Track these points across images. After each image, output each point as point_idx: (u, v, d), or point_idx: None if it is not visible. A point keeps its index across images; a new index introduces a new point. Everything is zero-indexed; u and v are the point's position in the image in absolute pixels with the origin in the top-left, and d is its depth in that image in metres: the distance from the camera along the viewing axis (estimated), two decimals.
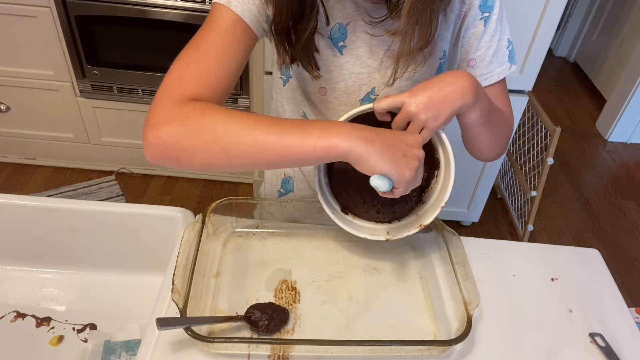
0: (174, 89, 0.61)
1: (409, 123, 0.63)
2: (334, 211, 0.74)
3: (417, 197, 0.78)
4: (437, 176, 0.75)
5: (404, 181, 0.59)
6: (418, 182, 0.63)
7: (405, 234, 0.74)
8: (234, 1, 0.66)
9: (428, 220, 0.73)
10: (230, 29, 0.65)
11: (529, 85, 1.61)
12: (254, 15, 0.66)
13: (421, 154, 0.61)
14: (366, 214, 0.78)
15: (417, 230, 0.73)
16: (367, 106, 0.66)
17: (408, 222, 0.77)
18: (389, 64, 0.71)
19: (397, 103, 0.62)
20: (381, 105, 0.63)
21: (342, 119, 0.68)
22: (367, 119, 0.67)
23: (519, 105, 1.65)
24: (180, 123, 0.58)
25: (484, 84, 0.73)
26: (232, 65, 0.65)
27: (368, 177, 0.73)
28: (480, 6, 0.69)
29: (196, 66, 0.63)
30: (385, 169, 0.58)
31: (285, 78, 0.80)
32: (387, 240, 0.75)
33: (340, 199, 0.77)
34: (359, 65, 0.73)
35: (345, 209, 0.78)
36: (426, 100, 0.61)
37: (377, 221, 0.78)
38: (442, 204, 0.71)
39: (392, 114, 0.65)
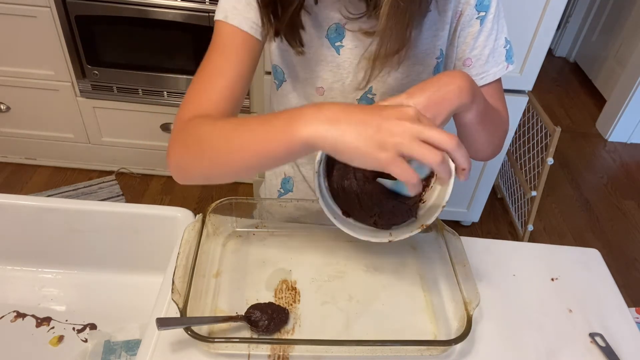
0: (180, 113, 0.65)
1: None
2: (335, 215, 0.74)
3: (418, 197, 0.78)
4: (437, 175, 0.75)
5: (380, 166, 0.49)
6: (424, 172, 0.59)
7: (408, 234, 0.74)
8: (230, 14, 0.67)
9: (430, 220, 0.73)
10: (229, 42, 0.68)
11: (529, 85, 1.61)
12: (253, 22, 0.68)
13: (407, 129, 0.49)
14: (364, 222, 0.77)
15: (419, 230, 0.73)
16: None
17: (409, 222, 0.77)
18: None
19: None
20: None
21: None
22: None
23: (519, 105, 1.65)
24: (179, 143, 0.63)
25: (479, 83, 0.73)
26: (234, 75, 0.67)
27: (367, 185, 0.74)
28: (476, 5, 0.69)
29: (198, 85, 0.66)
30: (359, 154, 0.50)
31: (277, 82, 0.80)
32: (389, 242, 0.75)
33: (340, 203, 0.77)
34: (355, 65, 0.73)
35: (347, 212, 0.78)
36: (424, 101, 0.60)
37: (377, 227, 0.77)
38: (443, 203, 0.71)
39: None
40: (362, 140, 0.49)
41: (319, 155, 0.69)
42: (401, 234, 0.74)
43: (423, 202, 0.77)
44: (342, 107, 0.52)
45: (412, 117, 0.51)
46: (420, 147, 0.49)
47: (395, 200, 0.75)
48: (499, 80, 0.74)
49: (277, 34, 0.69)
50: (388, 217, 0.75)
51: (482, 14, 0.69)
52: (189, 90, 0.68)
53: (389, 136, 0.49)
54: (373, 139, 0.49)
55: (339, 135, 0.49)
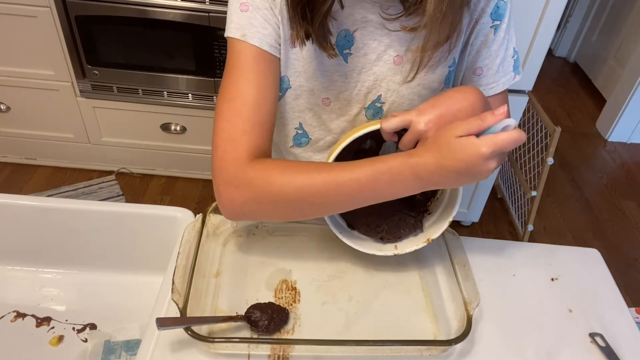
0: (229, 152, 0.64)
1: (417, 142, 0.62)
2: (341, 230, 0.74)
3: (423, 207, 0.77)
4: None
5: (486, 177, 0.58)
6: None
7: (413, 248, 0.73)
8: (249, 33, 0.66)
9: (436, 234, 0.72)
10: (254, 66, 0.67)
11: (529, 85, 1.61)
12: (272, 39, 0.67)
13: (493, 166, 0.56)
14: (371, 238, 0.77)
15: (424, 244, 0.73)
16: (374, 126, 0.65)
17: (415, 234, 0.76)
18: (401, 58, 0.69)
19: (405, 122, 0.61)
20: (389, 125, 0.62)
21: (348, 140, 0.66)
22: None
23: (519, 105, 1.65)
24: (249, 191, 0.64)
25: (489, 93, 0.72)
26: (269, 102, 0.68)
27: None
28: (491, 14, 0.68)
29: (238, 121, 0.65)
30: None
31: (281, 92, 0.79)
32: (395, 255, 0.74)
33: (346, 219, 0.77)
34: (364, 73, 0.71)
35: (352, 225, 0.77)
36: (435, 119, 0.59)
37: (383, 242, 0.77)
38: (450, 218, 0.71)
39: (397, 132, 0.64)
40: (463, 183, 0.60)
41: None
42: (406, 247, 0.74)
43: (429, 214, 0.77)
44: (438, 173, 0.58)
45: (487, 156, 0.55)
46: (503, 155, 0.57)
47: (400, 212, 0.74)
48: (505, 91, 0.74)
49: (307, 36, 0.67)
50: (394, 232, 0.74)
51: (497, 22, 0.68)
52: (223, 122, 0.66)
53: (483, 177, 0.57)
54: (472, 181, 0.58)
55: (442, 187, 0.62)
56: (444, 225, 0.72)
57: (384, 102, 0.74)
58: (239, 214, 0.68)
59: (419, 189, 0.61)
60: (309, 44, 0.69)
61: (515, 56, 0.72)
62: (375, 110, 0.75)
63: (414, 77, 0.69)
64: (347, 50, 0.70)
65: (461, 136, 0.55)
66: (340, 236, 0.73)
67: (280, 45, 0.69)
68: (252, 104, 0.66)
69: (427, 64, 0.67)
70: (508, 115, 0.55)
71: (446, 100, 0.60)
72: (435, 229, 0.73)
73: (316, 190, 0.62)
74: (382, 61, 0.70)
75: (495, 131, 0.54)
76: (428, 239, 0.73)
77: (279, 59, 0.70)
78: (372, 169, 0.60)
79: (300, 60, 0.71)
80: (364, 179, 0.60)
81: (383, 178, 0.60)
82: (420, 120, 0.59)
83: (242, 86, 0.66)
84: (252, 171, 0.64)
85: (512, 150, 2.07)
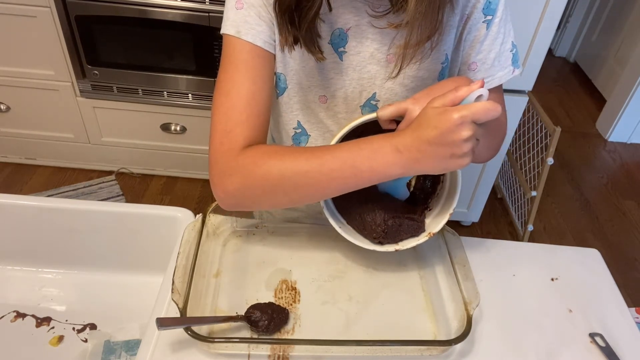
0: (224, 143, 0.67)
1: None
2: (340, 225, 0.74)
3: (424, 203, 0.77)
4: (443, 182, 0.75)
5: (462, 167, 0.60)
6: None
7: (414, 243, 0.73)
8: (243, 29, 0.67)
9: (437, 228, 0.72)
10: (249, 62, 0.68)
11: (529, 85, 1.61)
12: (267, 35, 0.68)
13: (466, 134, 0.56)
14: (370, 240, 0.76)
15: (426, 239, 0.73)
16: (370, 116, 0.65)
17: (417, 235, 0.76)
18: (393, 56, 0.70)
19: (400, 110, 0.62)
20: (385, 113, 0.63)
21: (345, 130, 0.67)
22: (367, 124, 0.67)
23: (519, 105, 1.65)
24: (240, 178, 0.65)
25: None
26: (264, 95, 0.69)
27: (368, 204, 0.73)
28: (483, 9, 0.68)
29: (234, 113, 0.67)
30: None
31: (279, 91, 0.79)
32: (396, 250, 0.74)
33: (345, 217, 0.77)
34: (359, 71, 0.72)
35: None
36: None
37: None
38: (451, 210, 0.71)
39: (396, 121, 0.65)
40: (444, 164, 0.59)
41: None
42: (408, 243, 0.74)
43: (429, 210, 0.77)
44: (416, 145, 0.58)
45: (458, 122, 0.55)
46: (478, 128, 0.57)
47: (401, 217, 0.74)
48: (500, 85, 0.74)
49: (296, 41, 0.68)
50: (394, 236, 0.74)
51: (489, 17, 0.68)
52: (219, 115, 0.67)
53: (459, 150, 0.57)
54: (451, 160, 0.58)
55: (425, 170, 0.60)
56: (445, 218, 0.72)
57: (378, 100, 0.75)
58: (233, 203, 0.69)
59: (399, 168, 0.60)
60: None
61: (514, 50, 0.72)
62: (372, 108, 0.75)
63: (398, 73, 0.70)
64: (342, 49, 0.71)
65: (437, 107, 0.57)
66: (340, 231, 0.72)
67: (275, 41, 0.70)
68: (248, 97, 0.67)
69: (410, 60, 0.67)
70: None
71: (440, 90, 0.61)
72: (436, 223, 0.73)
73: (300, 169, 0.62)
74: (375, 59, 0.71)
75: (470, 102, 0.57)
76: (430, 233, 0.73)
77: (274, 55, 0.71)
78: (354, 146, 0.62)
79: (297, 59, 0.72)
80: (344, 154, 0.61)
81: (363, 153, 0.61)
82: (416, 108, 0.61)
83: (237, 80, 0.67)
84: (243, 158, 0.65)
85: (512, 150, 2.08)
